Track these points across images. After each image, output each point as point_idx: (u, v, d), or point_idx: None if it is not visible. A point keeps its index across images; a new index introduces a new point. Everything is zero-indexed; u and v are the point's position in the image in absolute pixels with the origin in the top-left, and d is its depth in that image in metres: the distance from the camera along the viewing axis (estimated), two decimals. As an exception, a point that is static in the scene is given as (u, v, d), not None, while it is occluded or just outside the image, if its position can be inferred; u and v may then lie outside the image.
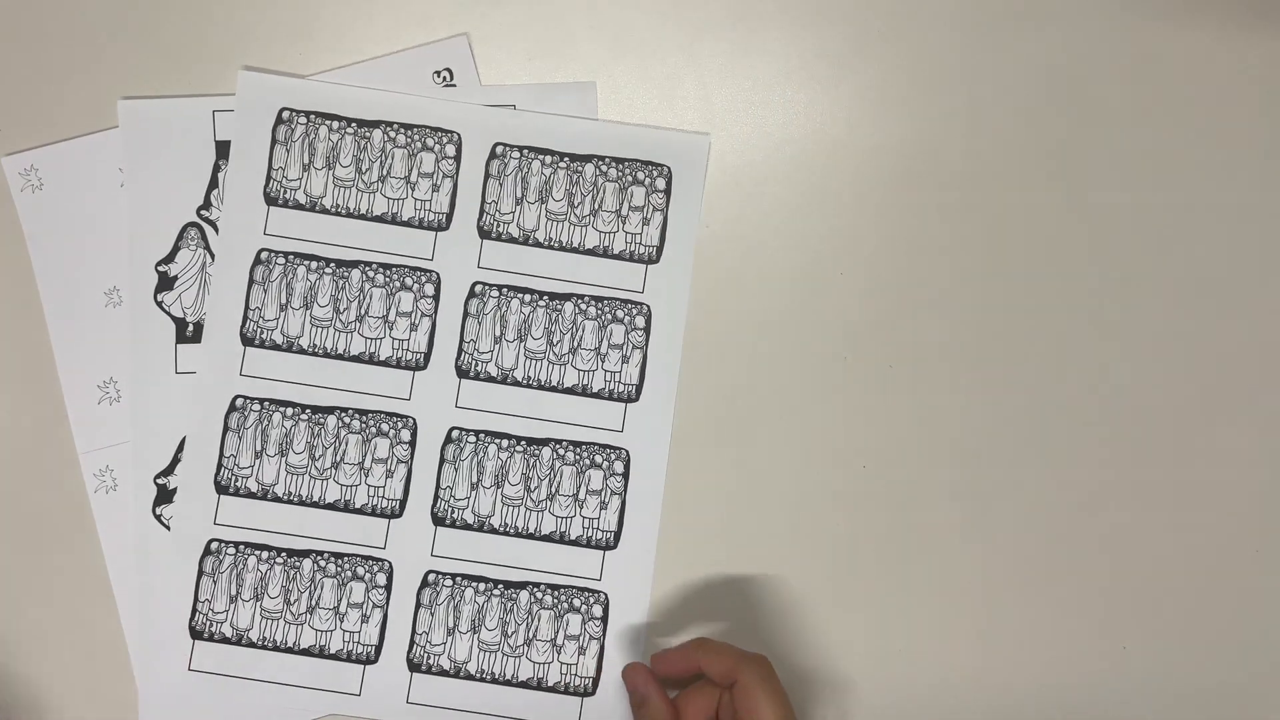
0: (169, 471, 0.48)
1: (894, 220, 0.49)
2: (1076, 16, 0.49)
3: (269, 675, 0.48)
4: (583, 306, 0.49)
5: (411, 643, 0.48)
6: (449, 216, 0.49)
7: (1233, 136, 0.49)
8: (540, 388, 0.49)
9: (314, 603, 0.48)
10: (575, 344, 0.49)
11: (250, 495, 0.48)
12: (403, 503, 0.48)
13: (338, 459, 0.48)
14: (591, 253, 0.49)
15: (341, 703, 0.48)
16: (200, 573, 0.48)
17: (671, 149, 0.49)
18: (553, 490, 0.48)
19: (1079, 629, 0.48)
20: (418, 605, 0.48)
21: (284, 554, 0.48)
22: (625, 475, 0.48)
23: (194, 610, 0.48)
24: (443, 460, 0.48)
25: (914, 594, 0.48)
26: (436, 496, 0.48)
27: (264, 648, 0.48)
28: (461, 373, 0.49)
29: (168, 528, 0.48)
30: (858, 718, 0.48)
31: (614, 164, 0.49)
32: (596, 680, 0.48)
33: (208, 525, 0.48)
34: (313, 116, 0.49)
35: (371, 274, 0.49)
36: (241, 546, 0.48)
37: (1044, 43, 0.49)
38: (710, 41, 0.49)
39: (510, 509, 0.48)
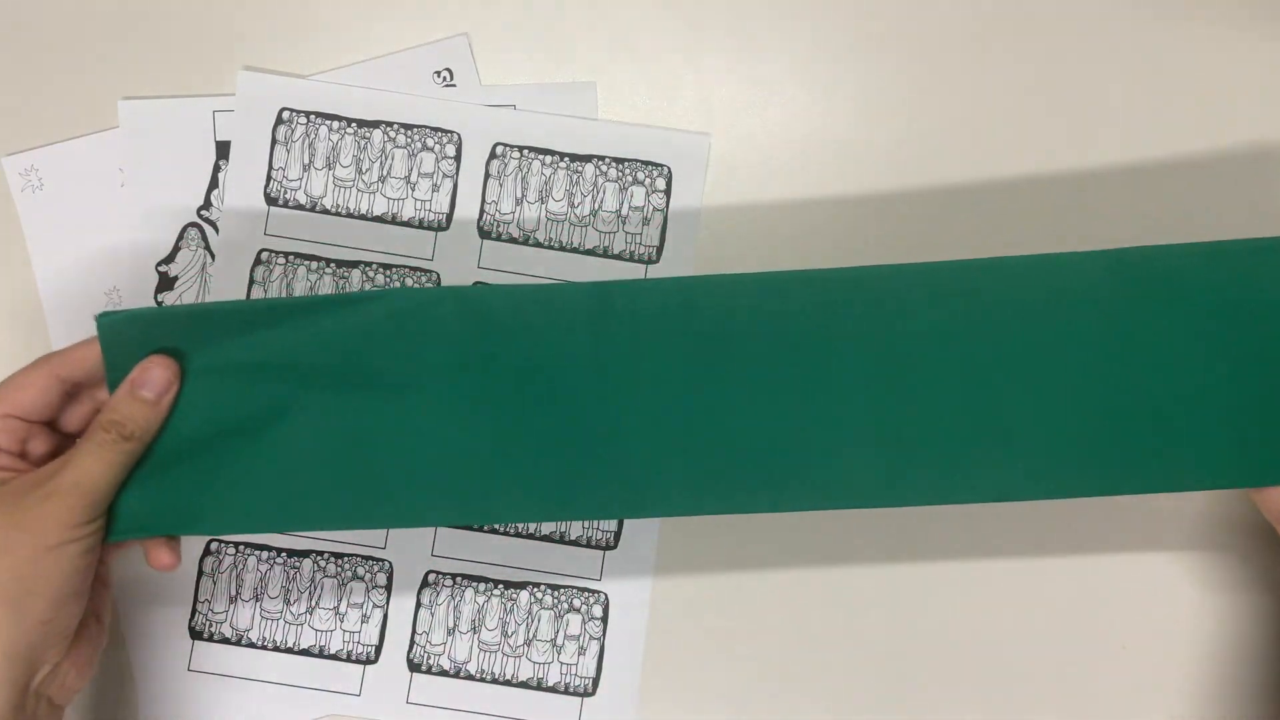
0: (169, 471, 0.48)
1: (894, 221, 0.49)
2: (1077, 17, 0.49)
3: (269, 676, 0.48)
4: (583, 306, 0.49)
5: (412, 643, 0.48)
6: (449, 216, 0.49)
7: (1233, 137, 0.49)
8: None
9: (314, 603, 0.48)
10: (575, 344, 0.49)
11: (250, 495, 0.48)
12: (403, 503, 0.48)
13: (338, 459, 0.48)
14: (591, 253, 0.49)
15: (341, 703, 0.48)
16: (200, 573, 0.48)
17: (671, 149, 0.49)
18: (553, 490, 0.48)
19: (1078, 628, 0.48)
20: (418, 605, 0.48)
21: (284, 554, 0.48)
22: (625, 475, 0.48)
23: (194, 610, 0.48)
24: (443, 460, 0.48)
25: (912, 583, 0.48)
26: (436, 496, 0.48)
27: (264, 648, 0.48)
28: (461, 373, 0.48)
29: (168, 528, 0.48)
30: (857, 710, 0.48)
31: (614, 164, 0.49)
32: (596, 680, 0.48)
33: (208, 525, 0.48)
34: (313, 116, 0.49)
35: (372, 274, 0.49)
36: (241, 547, 0.48)
37: (1045, 43, 0.49)
38: (710, 41, 0.49)
39: (510, 509, 0.48)
